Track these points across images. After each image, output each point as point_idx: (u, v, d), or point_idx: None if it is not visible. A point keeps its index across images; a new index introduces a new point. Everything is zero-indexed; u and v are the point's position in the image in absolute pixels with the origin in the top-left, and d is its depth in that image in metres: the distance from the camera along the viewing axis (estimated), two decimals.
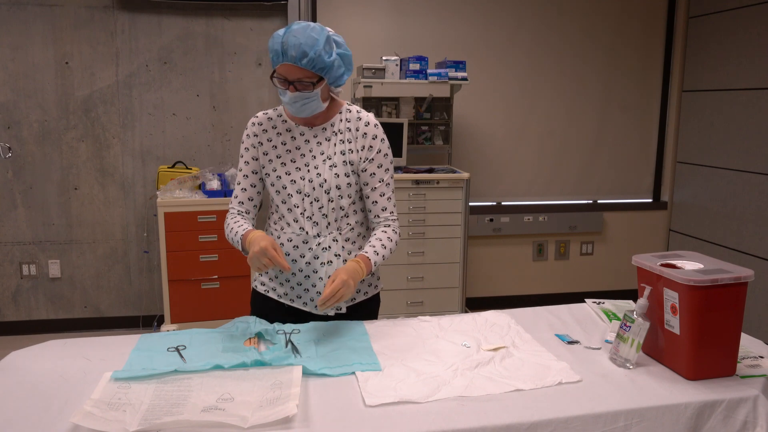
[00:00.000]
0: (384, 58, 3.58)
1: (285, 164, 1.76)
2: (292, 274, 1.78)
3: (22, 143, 3.71)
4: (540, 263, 4.45)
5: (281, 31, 1.61)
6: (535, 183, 4.36)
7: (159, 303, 3.97)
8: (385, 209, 1.77)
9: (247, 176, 1.80)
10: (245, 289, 3.52)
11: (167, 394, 1.30)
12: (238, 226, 1.72)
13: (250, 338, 1.61)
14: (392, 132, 3.61)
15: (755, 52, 3.74)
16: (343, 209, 1.75)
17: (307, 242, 1.74)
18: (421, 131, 4.04)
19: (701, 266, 1.50)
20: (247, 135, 1.80)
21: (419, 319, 1.80)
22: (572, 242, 4.46)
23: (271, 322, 1.74)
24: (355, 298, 1.82)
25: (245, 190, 1.80)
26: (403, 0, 3.98)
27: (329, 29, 1.67)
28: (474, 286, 4.32)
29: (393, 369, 1.45)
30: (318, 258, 1.74)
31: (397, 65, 3.58)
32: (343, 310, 1.77)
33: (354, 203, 1.78)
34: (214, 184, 3.66)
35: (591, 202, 4.48)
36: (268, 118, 1.80)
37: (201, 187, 3.69)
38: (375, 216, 1.78)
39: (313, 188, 1.73)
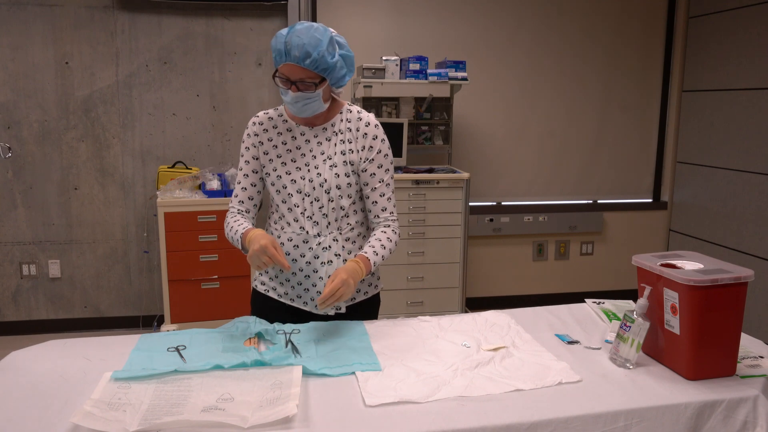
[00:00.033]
0: (384, 58, 3.58)
1: (285, 164, 1.76)
2: (293, 273, 1.78)
3: (22, 143, 3.71)
4: (540, 263, 4.45)
5: (284, 31, 1.61)
6: (535, 183, 4.36)
7: (159, 303, 3.97)
8: (385, 209, 1.77)
9: (247, 175, 1.80)
10: (245, 289, 3.52)
11: (167, 394, 1.30)
12: (238, 224, 1.72)
13: (250, 338, 1.61)
14: (392, 132, 3.61)
15: (755, 52, 3.74)
16: (343, 209, 1.75)
17: (307, 242, 1.74)
18: (421, 131, 4.04)
19: (701, 266, 1.50)
20: (248, 134, 1.80)
21: (419, 319, 1.80)
22: (572, 242, 4.46)
23: (271, 321, 1.74)
24: (355, 298, 1.83)
25: (245, 189, 1.80)
26: (403, 0, 3.98)
27: (332, 30, 1.67)
28: (474, 286, 4.32)
29: (393, 369, 1.45)
30: (318, 258, 1.74)
31: (397, 65, 3.58)
32: (343, 310, 1.77)
33: (354, 203, 1.78)
34: (214, 184, 3.66)
35: (591, 202, 4.48)
36: (269, 117, 1.81)
37: (201, 187, 3.69)
38: (375, 216, 1.78)
39: (314, 188, 1.73)
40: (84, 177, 3.82)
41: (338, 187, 1.73)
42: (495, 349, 1.58)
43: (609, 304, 1.93)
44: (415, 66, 3.58)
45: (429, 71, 3.60)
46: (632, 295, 1.88)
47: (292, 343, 1.58)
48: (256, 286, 1.88)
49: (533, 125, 4.27)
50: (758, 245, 3.76)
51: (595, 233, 4.49)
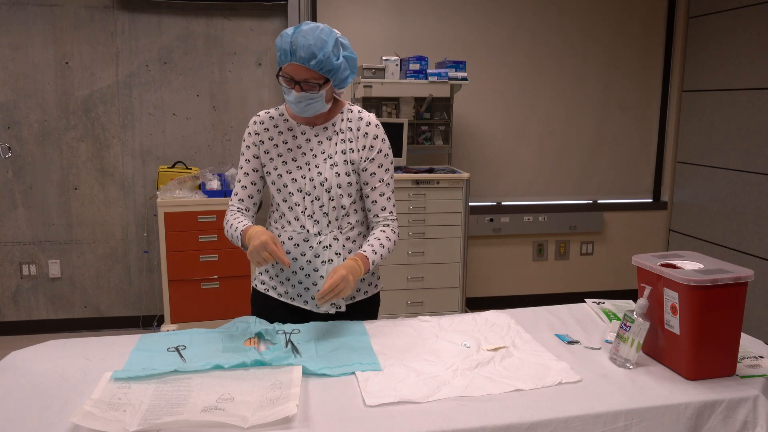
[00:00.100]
0: (384, 58, 3.58)
1: (286, 162, 1.77)
2: (293, 272, 1.78)
3: (22, 143, 3.71)
4: (540, 263, 4.45)
5: (290, 30, 1.61)
6: (535, 183, 4.36)
7: (159, 303, 3.97)
8: (385, 209, 1.78)
9: (247, 174, 1.80)
10: (245, 289, 3.52)
11: (167, 394, 1.30)
12: (238, 222, 1.73)
13: (250, 338, 1.61)
14: (392, 132, 3.60)
15: (755, 52, 3.74)
16: (344, 208, 1.76)
17: (307, 240, 1.74)
18: (421, 131, 4.04)
19: (701, 266, 1.50)
20: (249, 133, 1.80)
21: (419, 319, 1.80)
22: (572, 242, 4.46)
23: (272, 321, 1.74)
24: (354, 297, 1.83)
25: (245, 187, 1.80)
26: (403, 0, 3.98)
27: (336, 31, 1.67)
28: (474, 286, 4.32)
29: (393, 369, 1.45)
30: (319, 256, 1.74)
31: (397, 65, 3.58)
32: (343, 309, 1.78)
33: (354, 202, 1.78)
34: (214, 184, 3.66)
35: (591, 202, 4.48)
36: (270, 117, 1.81)
37: (201, 187, 3.69)
38: (374, 215, 1.79)
39: (314, 187, 1.73)
40: (84, 177, 3.82)
41: (339, 186, 1.73)
42: (495, 349, 1.58)
43: (609, 304, 1.93)
44: (415, 66, 3.58)
45: (429, 71, 3.60)
46: (632, 295, 1.88)
47: (292, 343, 1.58)
48: (256, 285, 1.88)
49: (533, 125, 4.27)
50: (758, 245, 3.76)
51: (595, 233, 4.49)
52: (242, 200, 1.81)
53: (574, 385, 1.40)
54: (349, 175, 1.75)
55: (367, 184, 1.77)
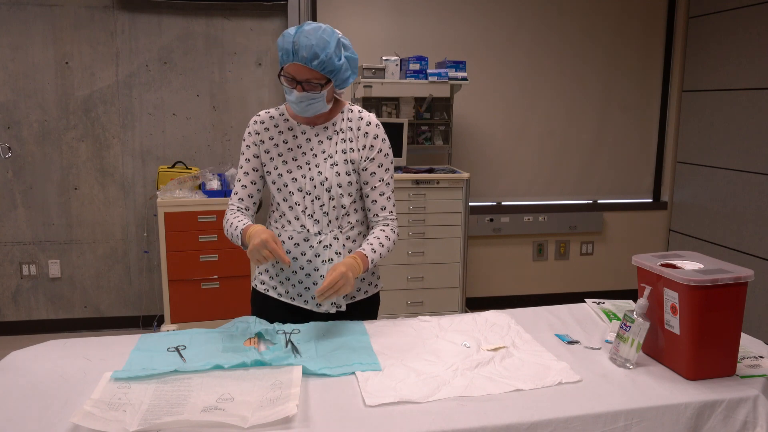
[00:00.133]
0: (384, 58, 3.58)
1: (286, 162, 1.77)
2: (293, 272, 1.78)
3: (22, 143, 3.71)
4: (540, 263, 4.45)
5: (292, 30, 1.62)
6: (535, 183, 4.36)
7: (159, 303, 3.97)
8: (384, 208, 1.78)
9: (247, 173, 1.80)
10: (245, 289, 3.50)
11: (167, 394, 1.30)
12: (238, 221, 1.73)
13: (250, 338, 1.61)
14: (392, 132, 3.60)
15: (755, 52, 3.74)
16: (344, 207, 1.76)
17: (308, 240, 1.75)
18: (421, 131, 4.04)
19: (701, 266, 1.50)
20: (249, 133, 1.81)
21: (419, 319, 1.80)
22: (572, 242, 4.46)
23: (272, 320, 1.74)
24: (354, 297, 1.83)
25: (245, 187, 1.80)
26: (403, 0, 3.98)
27: (338, 31, 1.67)
28: (474, 286, 4.32)
29: (393, 369, 1.45)
30: (319, 256, 1.74)
31: (397, 65, 3.58)
32: (343, 308, 1.78)
33: (355, 201, 1.78)
34: (214, 184, 3.66)
35: (591, 202, 4.48)
36: (270, 116, 1.81)
37: (201, 187, 3.69)
38: (374, 215, 1.79)
39: (314, 186, 1.74)
40: (84, 177, 3.82)
41: (339, 186, 1.73)
42: (495, 349, 1.58)
43: (609, 304, 1.93)
44: (415, 66, 3.58)
45: (429, 71, 3.60)
46: (632, 295, 1.88)
47: (292, 343, 1.58)
48: (256, 285, 1.88)
49: (533, 125, 4.27)
50: (758, 245, 3.76)
51: (595, 233, 4.49)
52: (242, 200, 1.81)
53: (574, 385, 1.40)
54: (349, 175, 1.75)
55: (367, 183, 1.77)
